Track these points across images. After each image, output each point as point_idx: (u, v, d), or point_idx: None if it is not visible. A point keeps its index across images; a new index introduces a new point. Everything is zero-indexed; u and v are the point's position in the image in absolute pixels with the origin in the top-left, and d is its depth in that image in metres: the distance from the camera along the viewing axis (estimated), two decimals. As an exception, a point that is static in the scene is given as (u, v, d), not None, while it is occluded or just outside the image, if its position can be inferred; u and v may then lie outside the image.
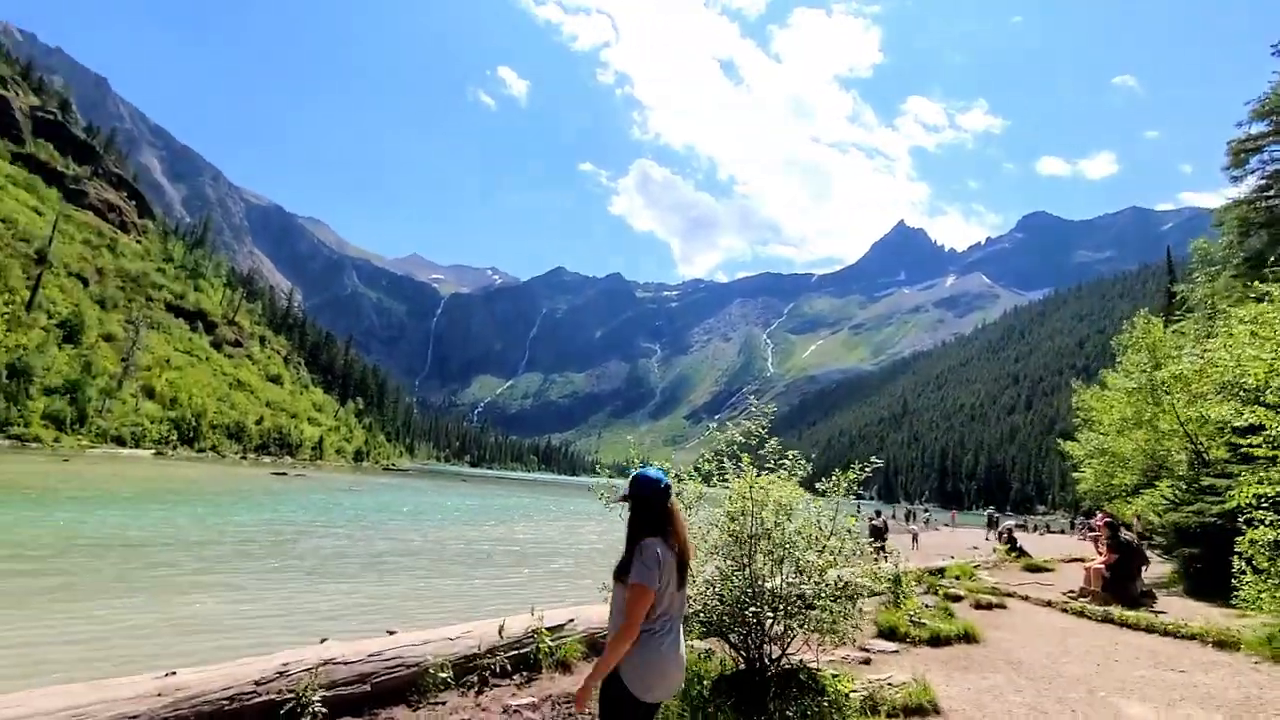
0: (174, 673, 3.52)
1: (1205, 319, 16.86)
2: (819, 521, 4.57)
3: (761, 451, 4.76)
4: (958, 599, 9.35)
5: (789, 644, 4.38)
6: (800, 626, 4.31)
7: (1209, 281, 17.63)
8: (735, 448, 4.75)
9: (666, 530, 2.49)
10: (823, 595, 4.28)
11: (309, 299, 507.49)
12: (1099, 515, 18.32)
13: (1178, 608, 9.12)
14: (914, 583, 9.76)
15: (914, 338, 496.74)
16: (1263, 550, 6.91)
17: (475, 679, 4.60)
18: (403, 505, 29.44)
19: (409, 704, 4.16)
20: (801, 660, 4.53)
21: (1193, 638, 7.15)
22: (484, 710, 4.24)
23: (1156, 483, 15.31)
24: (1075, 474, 22.87)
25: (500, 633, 4.96)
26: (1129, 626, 7.93)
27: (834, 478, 4.58)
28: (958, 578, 11.62)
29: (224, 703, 3.44)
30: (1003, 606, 9.21)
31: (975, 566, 13.75)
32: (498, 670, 4.75)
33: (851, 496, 4.67)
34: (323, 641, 4.42)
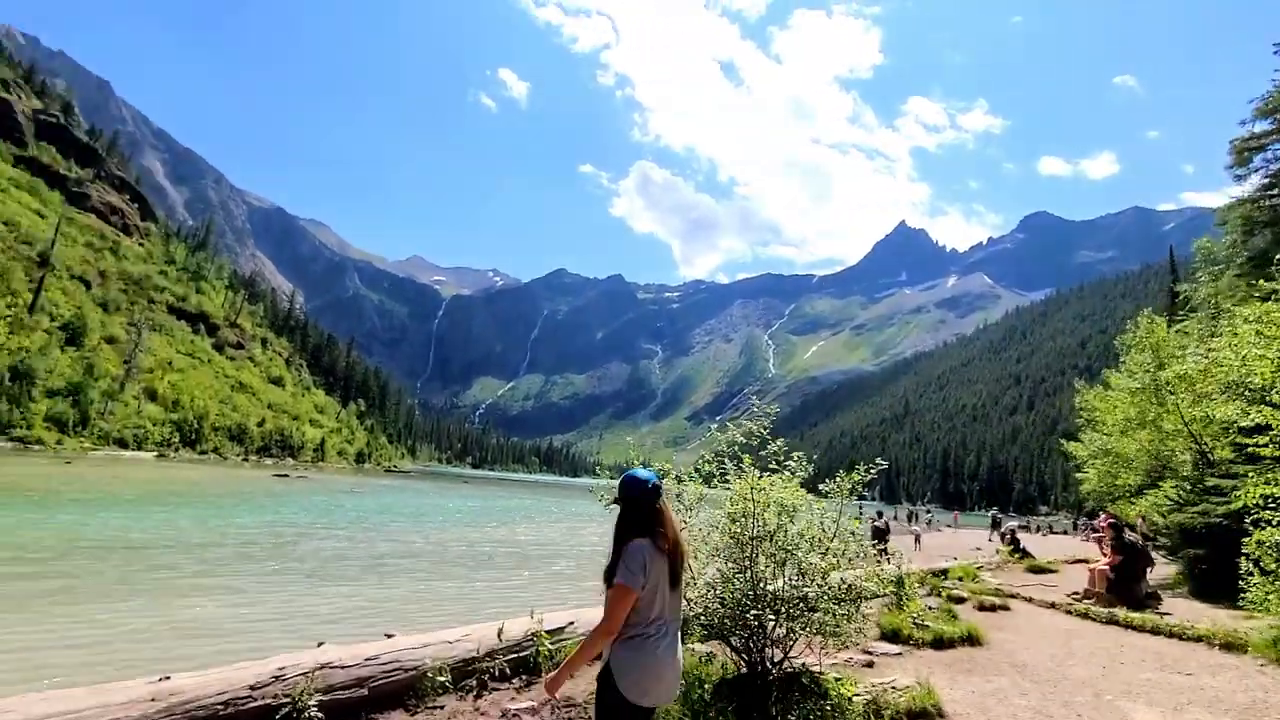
0: (168, 677, 3.49)
1: (1209, 319, 16.78)
2: (822, 523, 4.53)
3: (763, 452, 4.71)
4: (961, 601, 9.29)
5: (791, 647, 4.33)
6: (803, 629, 4.26)
7: (1212, 281, 17.54)
8: (737, 448, 4.71)
9: (655, 531, 2.45)
10: (825, 598, 4.23)
11: (311, 301, 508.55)
12: (1102, 516, 18.23)
13: (1183, 609, 9.05)
14: (917, 584, 9.70)
15: (915, 338, 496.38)
16: (1270, 551, 6.85)
17: (474, 683, 4.55)
18: (404, 507, 29.43)
19: (407, 708, 4.12)
20: (804, 664, 4.47)
21: (1199, 640, 7.08)
22: (483, 714, 4.20)
23: (1160, 483, 15.26)
24: (1078, 475, 22.80)
25: (499, 636, 4.91)
26: (1134, 628, 7.85)
27: (838, 479, 4.54)
28: (961, 579, 11.55)
29: (219, 708, 3.40)
30: (1006, 608, 9.14)
31: (978, 568, 13.68)
32: (497, 674, 4.70)
33: (854, 498, 4.63)
34: (319, 645, 4.38)
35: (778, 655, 4.29)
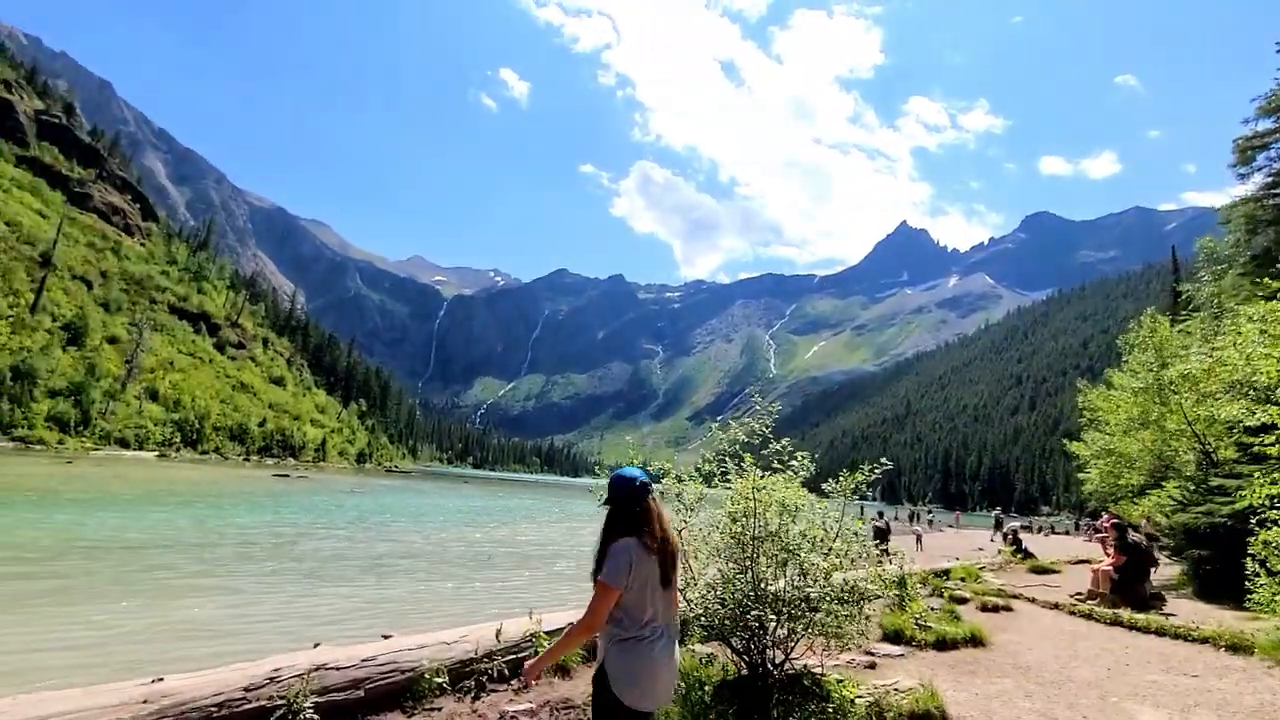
0: (162, 679, 3.44)
1: (1212, 318, 16.69)
2: (824, 523, 4.48)
3: (765, 451, 4.66)
4: (963, 601, 9.23)
5: (793, 648, 4.28)
6: (804, 630, 4.21)
7: (1215, 280, 17.45)
8: (738, 447, 4.66)
9: (643, 530, 2.42)
10: (828, 598, 4.18)
11: (312, 301, 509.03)
12: (1105, 516, 18.16)
13: (1187, 610, 8.98)
14: (919, 585, 9.65)
15: (917, 338, 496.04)
16: (1276, 552, 6.79)
17: (472, 684, 4.51)
18: (404, 507, 29.39)
19: (403, 710, 4.07)
20: (805, 665, 4.43)
21: (1205, 641, 7.02)
22: (480, 716, 4.15)
23: (1164, 483, 15.18)
24: (1080, 475, 22.71)
25: (497, 637, 4.87)
26: (1139, 629, 7.79)
27: (841, 479, 4.49)
28: (963, 579, 11.49)
29: (213, 709, 3.35)
30: (1009, 609, 9.08)
31: (980, 568, 13.62)
32: (495, 675, 4.66)
33: (855, 498, 4.58)
34: (316, 646, 4.34)
35: (779, 656, 4.24)
